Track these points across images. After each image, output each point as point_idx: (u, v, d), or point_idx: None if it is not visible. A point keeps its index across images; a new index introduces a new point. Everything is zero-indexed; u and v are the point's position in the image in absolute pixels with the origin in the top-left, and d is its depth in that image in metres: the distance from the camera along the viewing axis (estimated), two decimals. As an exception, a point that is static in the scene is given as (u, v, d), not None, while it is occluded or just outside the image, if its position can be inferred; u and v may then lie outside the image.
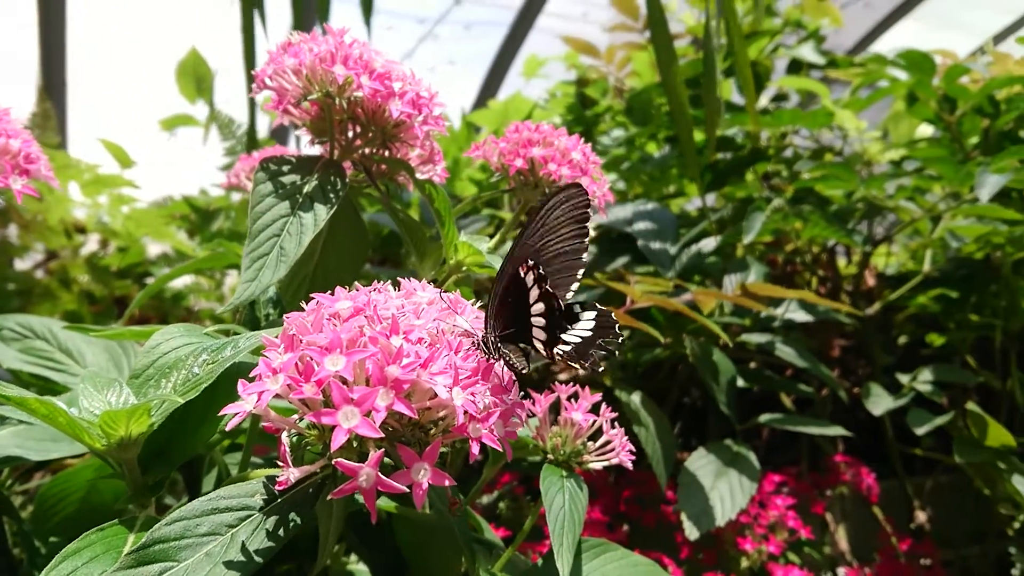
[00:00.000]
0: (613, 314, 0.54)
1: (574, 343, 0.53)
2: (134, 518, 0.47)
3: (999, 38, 3.92)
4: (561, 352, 0.52)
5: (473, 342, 0.50)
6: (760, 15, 1.72)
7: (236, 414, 0.40)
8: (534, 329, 0.51)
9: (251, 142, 1.42)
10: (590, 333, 0.54)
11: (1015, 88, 1.43)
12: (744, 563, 1.04)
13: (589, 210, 0.54)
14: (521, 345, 0.52)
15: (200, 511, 0.41)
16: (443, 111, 0.68)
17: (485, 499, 1.17)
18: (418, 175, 0.72)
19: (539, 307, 0.50)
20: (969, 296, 1.45)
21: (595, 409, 0.66)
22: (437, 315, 0.47)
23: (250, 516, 0.42)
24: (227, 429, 0.41)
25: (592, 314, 0.54)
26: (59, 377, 0.71)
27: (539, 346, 0.51)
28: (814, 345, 1.45)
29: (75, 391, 0.51)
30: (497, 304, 0.51)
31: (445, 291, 0.52)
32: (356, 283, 0.50)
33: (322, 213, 0.63)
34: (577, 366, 0.53)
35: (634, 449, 0.66)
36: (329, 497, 0.39)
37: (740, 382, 1.19)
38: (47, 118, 2.04)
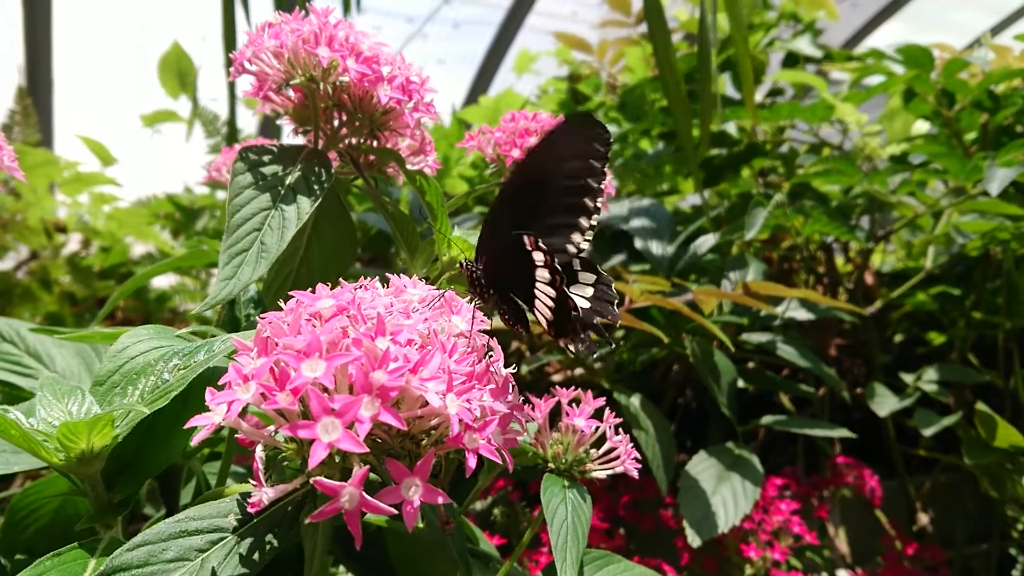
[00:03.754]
0: (613, 285, 0.50)
1: (550, 307, 0.48)
2: (97, 540, 0.43)
3: (981, 39, 3.93)
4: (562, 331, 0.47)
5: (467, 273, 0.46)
6: (752, 8, 1.69)
7: (204, 427, 0.36)
8: (539, 298, 0.46)
9: (231, 134, 1.37)
10: (587, 304, 0.49)
11: (1014, 82, 1.41)
12: (748, 571, 1.01)
13: (607, 146, 0.48)
14: (516, 300, 0.48)
15: (167, 534, 0.37)
16: (434, 98, 0.65)
17: (479, 505, 1.13)
18: (408, 166, 0.68)
19: (544, 274, 0.45)
20: (969, 293, 1.43)
21: (598, 414, 0.62)
22: (429, 315, 0.43)
23: (223, 539, 0.38)
24: (193, 444, 0.37)
25: (591, 277, 0.49)
26: (26, 383, 0.67)
27: (542, 318, 0.47)
28: (812, 344, 1.42)
29: (35, 399, 0.46)
30: (491, 242, 0.46)
31: (438, 289, 0.48)
32: (342, 281, 0.45)
33: (306, 206, 0.59)
34: (571, 348, 0.48)
35: (639, 456, 0.63)
36: (308, 521, 0.35)
37: (739, 383, 1.16)
38: (27, 115, 1.99)
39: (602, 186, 0.49)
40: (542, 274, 0.45)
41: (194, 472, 0.69)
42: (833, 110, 1.41)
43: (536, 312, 0.48)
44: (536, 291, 0.47)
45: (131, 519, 0.92)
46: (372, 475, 0.37)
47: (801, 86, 1.73)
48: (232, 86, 1.31)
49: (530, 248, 0.45)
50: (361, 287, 0.44)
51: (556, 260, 0.44)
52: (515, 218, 0.48)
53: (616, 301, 0.49)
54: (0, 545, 0.73)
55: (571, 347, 0.48)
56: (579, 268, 0.50)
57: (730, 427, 1.14)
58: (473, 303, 0.49)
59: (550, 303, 0.46)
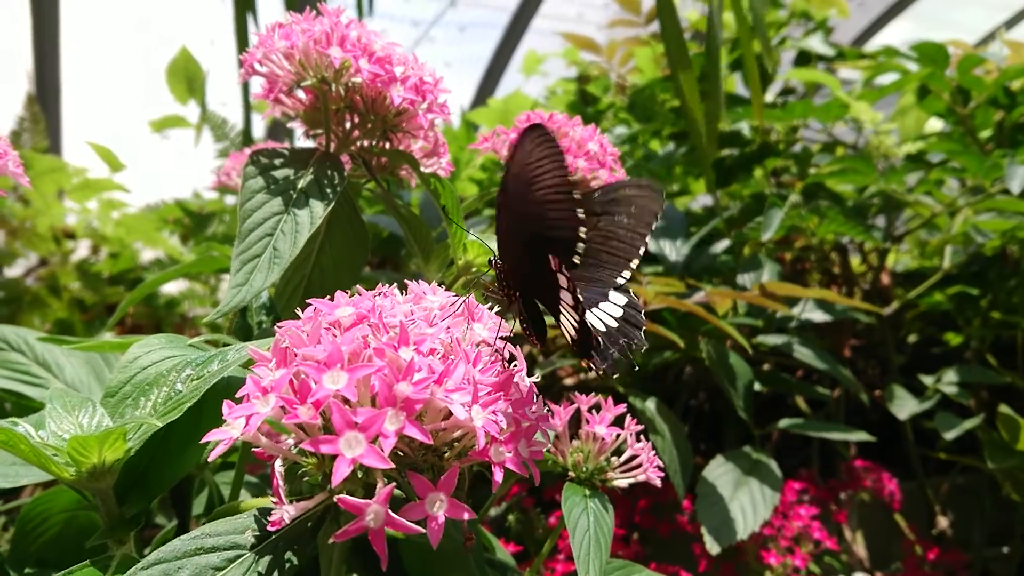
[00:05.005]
0: (642, 311, 0.49)
1: (600, 332, 0.47)
2: (110, 558, 0.41)
3: (992, 36, 3.91)
4: (584, 347, 0.46)
5: (492, 266, 0.46)
6: (765, 6, 1.68)
7: (221, 442, 0.34)
8: (564, 314, 0.45)
9: (246, 138, 1.36)
10: (615, 324, 0.48)
11: (1031, 78, 1.39)
12: (768, 577, 0.99)
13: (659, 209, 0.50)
14: (539, 307, 0.48)
15: (182, 552, 0.35)
16: (448, 98, 0.63)
17: (493, 511, 1.12)
18: (422, 168, 0.66)
19: (567, 298, 0.45)
20: (986, 293, 1.41)
21: (618, 421, 0.60)
22: (451, 322, 0.41)
23: (240, 556, 0.36)
24: (210, 460, 0.35)
25: (622, 299, 0.49)
26: (35, 392, 0.66)
27: (568, 335, 0.46)
28: (827, 345, 1.40)
29: (44, 411, 0.45)
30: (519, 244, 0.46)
31: (454, 294, 0.46)
32: (358, 287, 0.44)
33: (318, 210, 0.57)
34: (593, 367, 0.47)
35: (662, 464, 0.61)
36: (331, 540, 0.33)
37: (756, 385, 1.14)
38: (36, 121, 1.99)
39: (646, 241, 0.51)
40: (565, 296, 0.45)
41: (206, 482, 0.68)
42: (847, 109, 1.39)
43: (562, 326, 0.47)
44: (561, 307, 0.46)
45: (143, 526, 0.91)
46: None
47: (813, 85, 1.71)
48: (246, 88, 1.30)
49: (555, 268, 0.44)
50: (380, 294, 0.43)
51: (581, 288, 0.45)
52: (525, 221, 0.47)
53: (643, 327, 0.48)
54: (10, 556, 0.72)
55: (593, 368, 0.47)
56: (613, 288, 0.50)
57: (745, 430, 1.12)
58: (492, 306, 0.47)
59: (575, 323, 0.45)
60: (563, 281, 0.43)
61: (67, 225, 1.83)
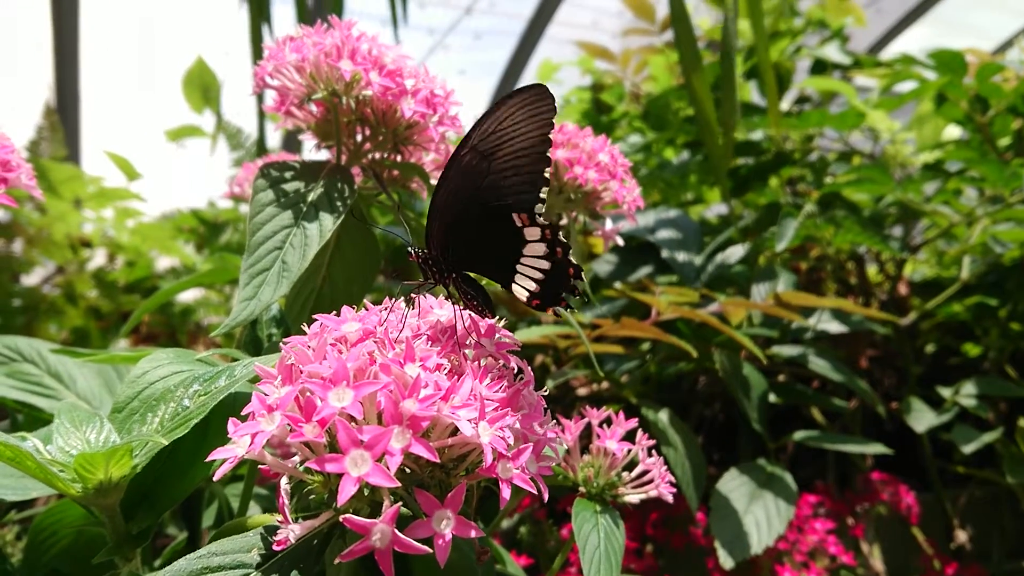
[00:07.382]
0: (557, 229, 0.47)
1: (538, 280, 0.47)
2: (116, 574, 0.41)
3: (1012, 41, 3.88)
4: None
5: (417, 255, 0.46)
6: (779, 15, 1.67)
7: (226, 460, 0.34)
8: (524, 272, 0.45)
9: (260, 148, 1.37)
10: (548, 265, 0.47)
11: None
12: (783, 592, 0.98)
13: (552, 115, 0.46)
14: (476, 281, 0.47)
15: (188, 571, 0.35)
16: (459, 111, 0.63)
17: (504, 523, 1.11)
18: (433, 181, 0.66)
19: (539, 248, 0.45)
20: (1005, 303, 1.39)
21: (631, 435, 0.60)
22: (458, 337, 0.41)
23: (246, 576, 0.36)
24: (216, 478, 0.35)
25: (536, 232, 0.46)
26: (46, 404, 0.66)
27: (524, 292, 0.46)
28: (843, 356, 1.38)
29: (52, 425, 0.45)
30: (449, 224, 0.45)
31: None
32: (366, 301, 0.44)
33: (328, 223, 0.57)
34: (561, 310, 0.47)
35: (673, 479, 0.60)
36: (336, 561, 0.33)
37: (770, 397, 1.13)
38: (54, 131, 2.00)
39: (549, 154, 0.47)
40: (535, 249, 0.45)
41: (216, 495, 0.68)
42: (864, 117, 1.38)
43: (518, 287, 0.47)
44: (520, 266, 0.46)
45: (154, 537, 0.91)
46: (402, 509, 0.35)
47: (829, 93, 1.70)
48: (260, 99, 1.31)
49: (522, 224, 0.44)
50: (387, 309, 0.42)
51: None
52: (472, 195, 0.47)
53: (572, 264, 0.47)
54: (23, 567, 0.72)
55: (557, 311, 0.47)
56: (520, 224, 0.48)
57: (760, 441, 1.11)
58: (500, 320, 0.47)
59: (539, 275, 0.46)
60: (534, 233, 0.43)
61: (83, 233, 1.85)
